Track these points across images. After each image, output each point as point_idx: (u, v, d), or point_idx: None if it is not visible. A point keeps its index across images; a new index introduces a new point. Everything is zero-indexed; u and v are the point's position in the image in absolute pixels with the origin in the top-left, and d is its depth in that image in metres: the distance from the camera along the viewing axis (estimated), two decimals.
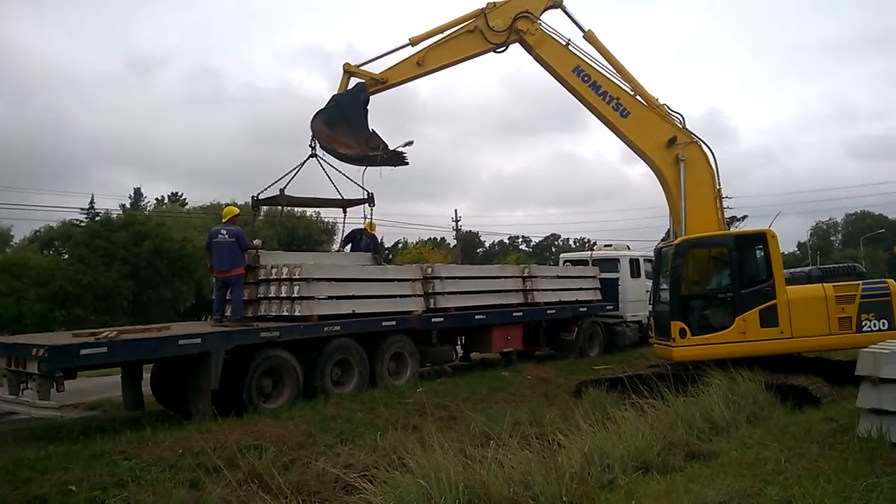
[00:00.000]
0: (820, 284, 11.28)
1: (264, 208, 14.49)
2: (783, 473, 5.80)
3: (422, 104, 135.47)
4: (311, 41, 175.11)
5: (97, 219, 45.15)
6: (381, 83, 12.44)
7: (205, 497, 6.22)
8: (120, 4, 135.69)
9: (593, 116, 12.84)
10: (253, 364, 9.91)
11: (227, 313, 11.06)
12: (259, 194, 12.70)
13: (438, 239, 72.31)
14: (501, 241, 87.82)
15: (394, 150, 12.87)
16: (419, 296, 12.56)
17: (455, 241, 59.48)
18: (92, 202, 52.14)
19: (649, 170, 12.68)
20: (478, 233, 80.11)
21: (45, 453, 7.50)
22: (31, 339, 9.97)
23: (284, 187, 12.32)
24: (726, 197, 12.80)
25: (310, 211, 47.42)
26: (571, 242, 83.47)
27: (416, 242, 64.84)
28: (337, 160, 12.53)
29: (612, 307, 17.29)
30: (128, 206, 56.37)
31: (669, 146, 12.18)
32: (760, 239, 11.24)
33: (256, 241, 12.03)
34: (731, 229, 13.43)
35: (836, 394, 9.67)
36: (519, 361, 14.55)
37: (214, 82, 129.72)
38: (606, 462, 6.33)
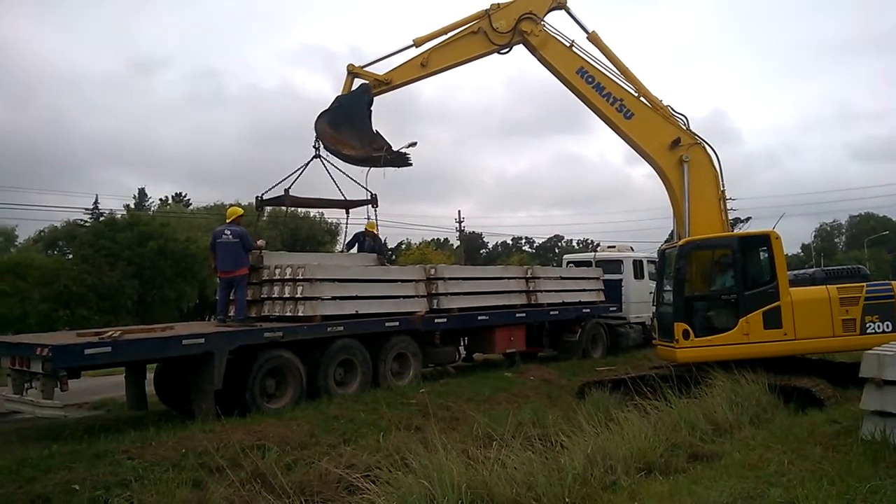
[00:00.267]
0: (824, 286, 11.27)
1: (268, 209, 14.52)
2: (786, 475, 5.79)
3: (425, 105, 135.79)
4: (314, 41, 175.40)
5: (101, 219, 45.20)
6: (385, 84, 12.46)
7: (208, 497, 6.22)
8: (121, 5, 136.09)
9: (597, 118, 12.84)
10: (256, 364, 9.93)
11: (231, 313, 11.08)
12: (263, 195, 12.74)
13: (442, 240, 72.30)
14: (505, 242, 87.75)
15: (397, 151, 12.91)
16: (422, 296, 12.57)
17: (458, 242, 59.52)
18: (96, 202, 52.35)
19: (653, 171, 12.68)
20: (481, 234, 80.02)
21: (49, 452, 7.52)
22: (35, 338, 9.99)
23: (289, 188, 12.36)
24: (730, 198, 12.80)
25: (313, 211, 47.46)
26: (575, 243, 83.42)
27: (420, 243, 64.82)
28: (341, 161, 12.56)
29: (615, 308, 17.28)
30: (132, 206, 56.55)
31: (673, 148, 12.17)
32: (764, 240, 11.22)
33: (260, 242, 12.06)
34: (735, 231, 13.39)
35: (840, 396, 9.66)
36: (522, 362, 14.55)
37: (216, 82, 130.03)
38: (609, 463, 6.34)
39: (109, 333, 9.31)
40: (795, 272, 13.37)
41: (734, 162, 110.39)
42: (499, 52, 12.72)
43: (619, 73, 12.58)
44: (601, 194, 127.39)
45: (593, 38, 12.67)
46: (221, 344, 9.56)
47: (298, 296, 10.88)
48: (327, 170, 12.66)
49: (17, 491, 6.37)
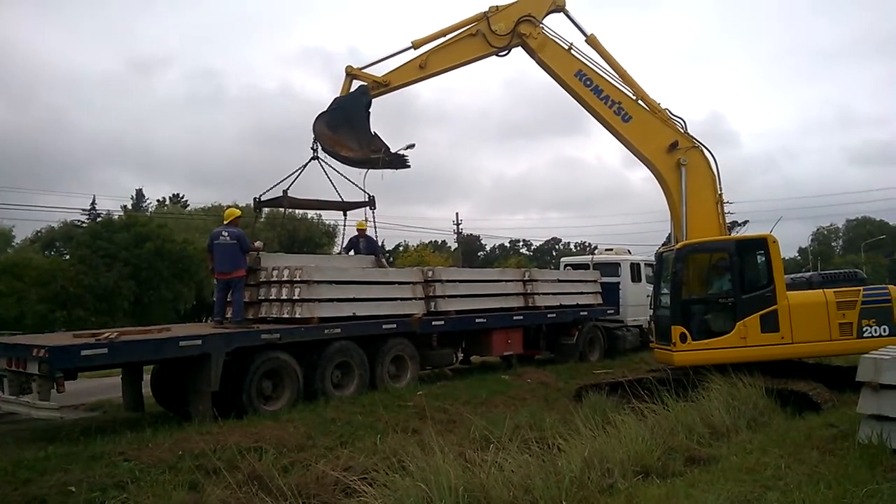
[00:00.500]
0: (821, 290, 11.32)
1: (265, 210, 14.51)
2: (783, 479, 5.79)
3: (423, 107, 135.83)
4: (313, 43, 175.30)
5: (98, 220, 45.19)
6: (383, 86, 12.46)
7: (204, 499, 6.22)
8: (121, 5, 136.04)
9: (595, 121, 12.86)
10: (253, 366, 9.91)
11: (228, 315, 11.06)
12: (261, 196, 12.72)
13: (439, 242, 72.49)
14: (502, 245, 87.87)
15: (395, 153, 12.91)
16: (420, 299, 12.56)
17: (456, 245, 59.53)
18: (93, 203, 52.21)
19: (651, 174, 12.70)
20: (479, 236, 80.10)
21: (45, 454, 7.50)
22: (31, 339, 9.97)
23: (287, 189, 12.35)
24: (727, 202, 12.86)
25: (311, 213, 47.51)
26: (572, 246, 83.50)
27: (417, 245, 64.98)
28: (339, 163, 12.56)
29: (612, 311, 17.29)
30: (129, 207, 56.49)
31: (671, 151, 12.19)
32: (761, 244, 11.24)
33: (258, 244, 12.05)
34: (733, 234, 13.41)
35: (837, 399, 9.66)
36: (519, 365, 14.54)
37: (216, 83, 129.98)
38: (606, 466, 6.33)
39: (106, 335, 9.30)
40: (792, 276, 13.42)
41: (732, 165, 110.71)
42: (497, 55, 12.74)
43: (617, 76, 12.61)
44: (599, 197, 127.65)
45: (592, 41, 12.70)
46: (218, 345, 9.54)
47: (296, 297, 10.87)
48: (325, 171, 12.69)
49: (13, 493, 6.35)
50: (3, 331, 23.26)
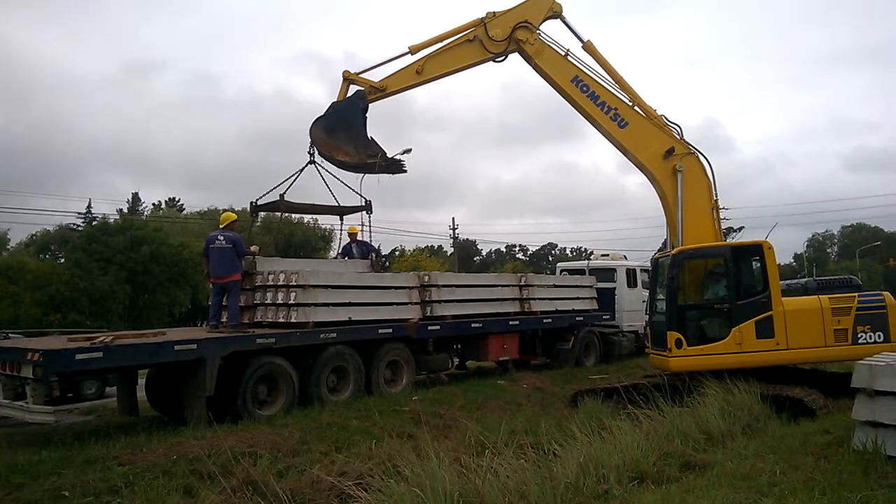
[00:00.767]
0: (816, 296, 11.33)
1: (261, 214, 14.49)
2: (778, 485, 5.80)
3: (419, 111, 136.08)
4: (310, 47, 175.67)
5: (94, 223, 45.06)
6: (380, 91, 12.47)
7: None
8: (119, 9, 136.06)
9: (591, 126, 12.90)
10: (248, 370, 9.88)
11: (224, 319, 11.03)
12: (258, 200, 12.71)
13: (435, 247, 72.40)
14: (498, 250, 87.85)
15: (392, 158, 12.93)
16: (416, 303, 12.55)
17: (452, 249, 59.50)
18: (89, 206, 52.08)
19: (647, 180, 12.74)
20: (475, 241, 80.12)
21: (39, 458, 7.46)
22: (26, 343, 9.93)
23: (284, 193, 12.33)
24: (723, 208, 12.87)
25: (307, 217, 47.47)
26: (568, 252, 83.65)
27: (413, 250, 64.83)
28: (335, 167, 12.55)
29: (608, 317, 17.30)
30: (125, 210, 56.37)
31: (667, 157, 12.23)
32: (757, 250, 11.27)
33: (254, 248, 12.04)
34: (728, 240, 13.44)
35: (832, 406, 9.69)
36: (515, 370, 14.52)
37: (212, 87, 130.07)
38: (602, 472, 6.33)
39: (101, 339, 9.26)
40: (787, 282, 13.42)
41: (727, 171, 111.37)
42: (494, 61, 12.76)
43: (613, 82, 12.66)
44: (595, 203, 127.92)
45: (588, 48, 12.73)
46: (214, 350, 9.51)
47: (291, 302, 10.85)
48: (322, 176, 12.66)
49: (7, 497, 6.32)
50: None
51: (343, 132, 12.28)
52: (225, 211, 13.77)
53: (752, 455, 7.05)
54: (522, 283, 15.27)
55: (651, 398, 9.27)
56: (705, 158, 12.36)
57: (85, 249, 36.54)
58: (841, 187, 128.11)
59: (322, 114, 12.33)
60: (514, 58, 12.90)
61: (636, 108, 12.55)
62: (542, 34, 12.71)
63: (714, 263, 11.69)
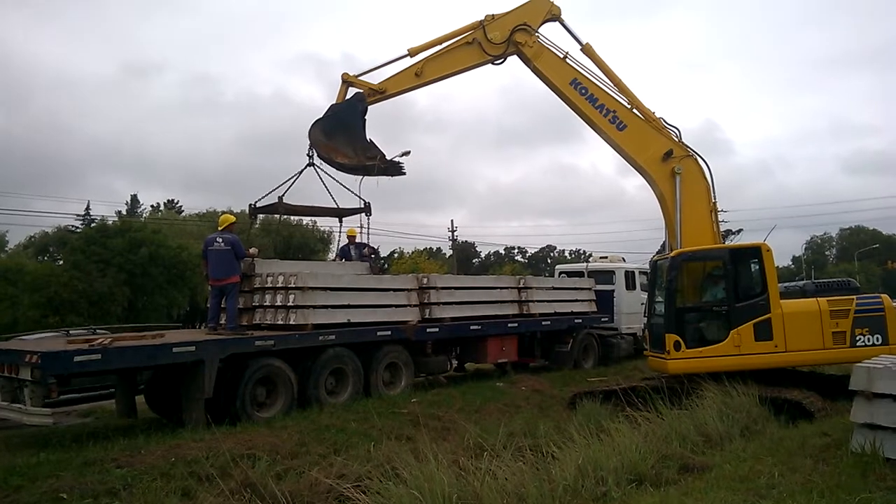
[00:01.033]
0: (814, 299, 11.33)
1: (260, 216, 14.50)
2: (777, 487, 5.80)
3: (418, 113, 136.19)
4: (309, 49, 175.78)
5: (93, 225, 44.99)
6: (379, 93, 12.50)
7: None
8: (118, 10, 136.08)
9: (590, 129, 12.91)
10: (247, 372, 9.88)
11: (222, 321, 11.03)
12: (257, 202, 12.71)
13: (434, 249, 72.36)
14: (497, 252, 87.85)
15: (391, 160, 12.94)
16: (414, 306, 12.55)
17: (451, 252, 59.49)
18: (88, 208, 51.96)
19: (645, 182, 12.76)
20: (474, 243, 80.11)
21: (37, 460, 7.46)
22: (24, 345, 9.92)
23: (283, 195, 12.34)
24: (722, 210, 12.87)
25: (306, 220, 47.48)
26: (567, 254, 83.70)
27: (412, 252, 64.83)
28: (334, 169, 12.56)
29: (607, 319, 17.29)
30: (124, 212, 56.32)
31: (665, 159, 12.24)
32: (755, 253, 11.28)
33: (253, 250, 12.02)
34: (727, 242, 13.45)
35: (830, 408, 9.67)
36: (513, 372, 14.52)
37: (211, 88, 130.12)
38: (600, 474, 6.33)
39: (99, 341, 9.26)
40: (786, 284, 13.41)
41: (726, 173, 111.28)
42: (493, 63, 12.79)
43: (612, 84, 12.68)
44: (594, 205, 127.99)
45: (587, 50, 12.75)
46: (212, 352, 9.50)
47: (290, 304, 10.84)
48: (321, 178, 12.68)
49: (5, 499, 6.32)
50: None
51: (342, 134, 12.30)
52: (223, 213, 13.77)
53: (750, 457, 7.05)
54: (521, 285, 15.27)
55: (649, 400, 9.27)
56: (704, 161, 12.39)
57: (83, 251, 36.47)
58: (839, 190, 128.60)
59: (321, 116, 12.35)
60: (513, 60, 12.93)
61: (635, 110, 12.58)
62: (540, 37, 12.73)
63: (713, 266, 11.70)
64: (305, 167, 12.42)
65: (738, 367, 10.45)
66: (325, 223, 47.44)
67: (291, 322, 10.78)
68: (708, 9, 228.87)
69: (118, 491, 6.51)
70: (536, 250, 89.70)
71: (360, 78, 12.57)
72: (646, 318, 13.06)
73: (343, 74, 12.51)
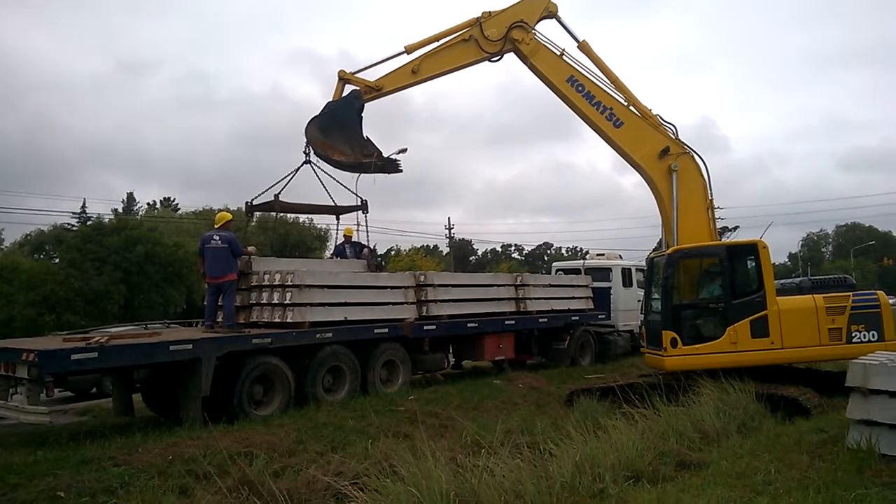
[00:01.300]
0: (810, 295, 11.35)
1: (257, 214, 14.47)
2: (773, 484, 5.82)
3: (415, 111, 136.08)
4: (304, 46, 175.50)
5: (89, 223, 44.89)
6: (375, 90, 12.48)
7: None
8: (112, 8, 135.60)
9: (587, 126, 12.91)
10: (244, 371, 9.88)
11: (220, 319, 11.02)
12: (253, 200, 12.70)
13: (431, 246, 72.41)
14: (494, 250, 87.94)
15: (388, 158, 12.93)
16: (411, 303, 12.55)
17: (448, 249, 59.52)
18: (84, 206, 51.88)
19: (642, 179, 12.76)
20: (470, 241, 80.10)
21: (34, 459, 7.46)
22: (21, 343, 9.90)
23: (279, 193, 12.33)
24: (718, 207, 12.89)
25: (303, 217, 47.40)
26: (564, 251, 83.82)
27: (409, 250, 64.88)
28: (331, 167, 12.55)
29: (604, 316, 17.32)
30: (120, 210, 56.21)
31: (662, 156, 12.25)
32: (752, 249, 11.30)
33: (251, 248, 12.01)
34: (723, 239, 13.47)
35: (826, 404, 9.71)
36: (511, 370, 14.54)
37: (206, 86, 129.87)
38: (597, 471, 6.34)
39: (96, 339, 9.24)
40: (782, 281, 13.44)
41: (722, 170, 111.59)
42: (490, 60, 12.77)
43: (609, 81, 12.67)
44: (591, 202, 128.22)
45: (584, 48, 12.74)
46: (209, 350, 9.49)
47: (287, 302, 10.84)
48: (317, 175, 12.67)
49: (2, 498, 6.31)
50: None
51: (339, 132, 12.29)
52: (220, 211, 13.75)
53: (747, 454, 7.07)
54: (518, 282, 15.28)
55: (646, 397, 9.28)
56: (700, 158, 12.39)
57: (79, 249, 36.39)
58: (835, 187, 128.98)
59: (317, 113, 12.33)
60: (510, 57, 12.92)
61: (631, 107, 12.58)
62: (537, 34, 12.73)
63: (709, 263, 11.72)
64: (302, 165, 12.41)
65: (735, 364, 10.47)
66: (321, 221, 47.48)
67: (288, 320, 10.78)
68: (704, 6, 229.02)
69: (115, 489, 6.51)
70: (533, 247, 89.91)
71: (357, 75, 12.55)
72: (642, 315, 13.08)
73: (339, 72, 12.50)
